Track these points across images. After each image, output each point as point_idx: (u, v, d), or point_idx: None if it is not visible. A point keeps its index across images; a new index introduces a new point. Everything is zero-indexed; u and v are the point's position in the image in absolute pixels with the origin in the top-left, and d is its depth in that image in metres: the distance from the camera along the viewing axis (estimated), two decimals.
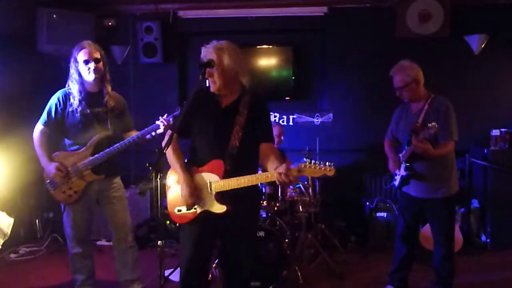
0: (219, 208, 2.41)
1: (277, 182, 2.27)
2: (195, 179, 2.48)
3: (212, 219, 2.44)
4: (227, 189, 2.39)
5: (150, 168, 1.90)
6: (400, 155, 3.38)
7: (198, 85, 2.34)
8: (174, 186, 2.54)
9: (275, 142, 4.27)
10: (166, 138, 2.52)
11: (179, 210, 2.49)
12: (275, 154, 2.47)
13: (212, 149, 2.45)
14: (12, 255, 4.59)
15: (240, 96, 2.50)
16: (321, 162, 2.28)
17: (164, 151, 2.01)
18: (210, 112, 2.48)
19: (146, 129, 3.19)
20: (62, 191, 3.19)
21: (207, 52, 2.41)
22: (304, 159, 4.36)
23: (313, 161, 2.28)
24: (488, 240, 4.69)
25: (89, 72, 3.12)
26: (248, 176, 2.37)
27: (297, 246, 3.95)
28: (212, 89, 2.45)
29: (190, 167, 2.51)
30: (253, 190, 2.47)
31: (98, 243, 4.85)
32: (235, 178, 2.37)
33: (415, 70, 3.26)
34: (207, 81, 2.45)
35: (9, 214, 3.65)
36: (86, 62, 3.12)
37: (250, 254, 2.63)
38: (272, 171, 2.32)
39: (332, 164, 2.28)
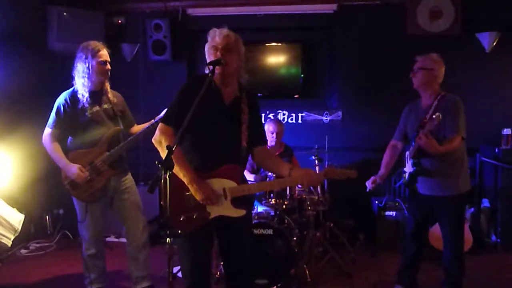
0: (237, 213, 2.36)
1: (304, 187, 2.32)
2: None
3: (211, 221, 2.36)
4: (246, 194, 2.37)
5: (159, 165, 1.90)
6: (408, 152, 3.36)
7: (207, 83, 2.25)
8: (176, 192, 2.29)
9: (270, 140, 4.26)
10: (158, 133, 2.41)
11: (185, 219, 2.30)
12: (275, 156, 2.48)
13: (222, 151, 2.34)
14: (23, 251, 4.65)
15: (238, 93, 2.44)
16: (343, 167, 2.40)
17: (174, 148, 2.00)
18: (213, 108, 2.37)
19: (159, 116, 3.22)
20: (84, 191, 3.20)
21: (225, 35, 2.33)
22: (313, 157, 4.35)
23: (335, 165, 2.44)
24: (498, 240, 4.64)
25: (103, 73, 3.18)
26: (270, 181, 2.39)
27: (305, 244, 3.95)
28: (222, 71, 2.32)
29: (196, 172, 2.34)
30: None
31: (108, 239, 4.90)
32: (255, 184, 2.39)
33: (439, 64, 3.26)
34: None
35: (20, 210, 3.68)
36: (104, 63, 3.18)
37: (250, 252, 2.57)
38: (295, 176, 2.33)
39: (354, 168, 2.40)
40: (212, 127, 2.37)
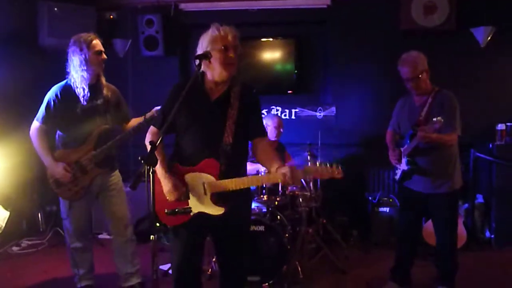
0: (216, 210, 2.29)
1: (281, 184, 2.20)
2: (186, 180, 2.35)
3: (202, 218, 2.34)
4: (225, 190, 2.27)
5: (142, 161, 1.87)
6: (402, 149, 3.33)
7: (193, 78, 2.25)
8: (160, 186, 2.35)
9: (275, 135, 4.25)
10: (148, 134, 2.44)
11: (171, 213, 2.30)
12: (273, 150, 2.40)
13: (203, 146, 2.32)
14: (14, 248, 4.62)
15: (229, 86, 2.39)
16: (327, 163, 2.16)
17: (157, 144, 1.98)
18: (199, 105, 2.34)
19: (148, 114, 3.17)
20: (68, 189, 3.16)
21: (235, 35, 2.31)
22: (306, 153, 4.32)
23: (318, 161, 2.19)
24: (492, 236, 4.63)
25: (100, 63, 3.14)
26: (248, 177, 2.28)
27: (297, 241, 3.92)
28: (227, 75, 2.31)
29: (179, 166, 2.38)
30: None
31: (100, 236, 4.87)
32: (233, 180, 2.25)
33: (424, 61, 3.21)
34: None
35: (12, 208, 3.66)
36: (100, 52, 3.13)
37: (244, 250, 2.56)
38: (276, 173, 2.20)
39: (339, 166, 2.16)
40: (194, 123, 2.35)
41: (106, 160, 3.23)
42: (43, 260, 4.32)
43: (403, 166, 3.32)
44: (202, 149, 2.32)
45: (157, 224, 2.28)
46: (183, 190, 2.32)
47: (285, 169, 2.14)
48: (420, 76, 3.17)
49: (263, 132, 2.48)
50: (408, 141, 3.25)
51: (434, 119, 2.93)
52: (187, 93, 2.17)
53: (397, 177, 3.39)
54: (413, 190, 3.32)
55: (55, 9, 4.83)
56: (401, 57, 3.25)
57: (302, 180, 4.18)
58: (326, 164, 2.16)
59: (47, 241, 4.81)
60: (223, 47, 2.28)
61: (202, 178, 2.32)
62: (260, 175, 2.27)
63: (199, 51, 2.35)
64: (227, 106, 2.34)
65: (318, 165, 2.15)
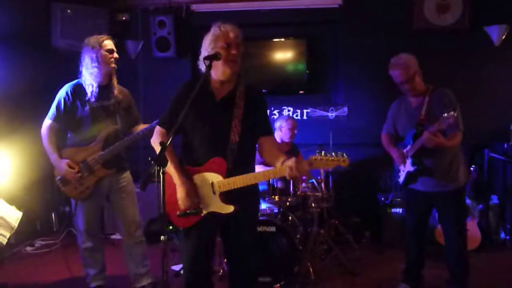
0: (226, 209, 2.30)
1: (288, 177, 2.17)
2: (195, 180, 2.36)
3: (212, 218, 2.34)
4: (233, 188, 2.28)
5: (152, 162, 1.88)
6: (405, 150, 3.28)
7: (203, 79, 2.24)
8: (171, 188, 2.35)
9: (289, 136, 4.24)
10: (155, 135, 2.46)
11: (182, 215, 2.32)
12: (279, 148, 2.40)
13: (210, 146, 2.33)
14: (28, 248, 4.68)
15: (235, 86, 2.39)
16: (333, 153, 2.16)
17: (167, 144, 1.99)
18: (204, 106, 2.33)
19: (155, 121, 3.18)
20: (74, 188, 3.19)
21: (238, 32, 2.31)
22: (316, 153, 4.29)
23: (323, 152, 2.15)
24: (507, 237, 4.55)
25: (111, 62, 3.15)
26: (254, 173, 2.28)
27: (309, 242, 3.90)
28: (230, 72, 2.30)
29: (186, 167, 2.39)
30: (253, 184, 2.37)
31: (112, 237, 4.90)
32: (240, 176, 2.26)
33: (414, 62, 3.17)
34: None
35: (26, 208, 3.69)
36: (111, 51, 3.16)
37: (253, 250, 2.55)
38: (281, 166, 2.20)
39: (345, 154, 2.15)
40: (201, 124, 2.35)
41: (113, 161, 3.24)
42: (56, 260, 4.36)
43: (408, 167, 3.26)
44: (209, 149, 2.33)
45: (170, 227, 2.28)
46: (196, 201, 2.32)
47: (290, 162, 2.14)
48: (413, 78, 3.13)
49: (269, 131, 2.48)
50: (411, 142, 3.20)
51: (445, 114, 2.88)
52: (192, 93, 2.17)
53: (401, 180, 3.34)
54: (418, 191, 3.28)
55: (68, 10, 4.89)
56: (390, 62, 3.23)
57: (314, 181, 4.17)
58: (331, 153, 2.16)
59: (61, 241, 4.86)
60: (225, 45, 2.28)
61: (210, 178, 2.32)
62: (265, 170, 2.26)
63: (204, 51, 2.35)
64: (232, 105, 2.34)
65: (322, 155, 2.15)
